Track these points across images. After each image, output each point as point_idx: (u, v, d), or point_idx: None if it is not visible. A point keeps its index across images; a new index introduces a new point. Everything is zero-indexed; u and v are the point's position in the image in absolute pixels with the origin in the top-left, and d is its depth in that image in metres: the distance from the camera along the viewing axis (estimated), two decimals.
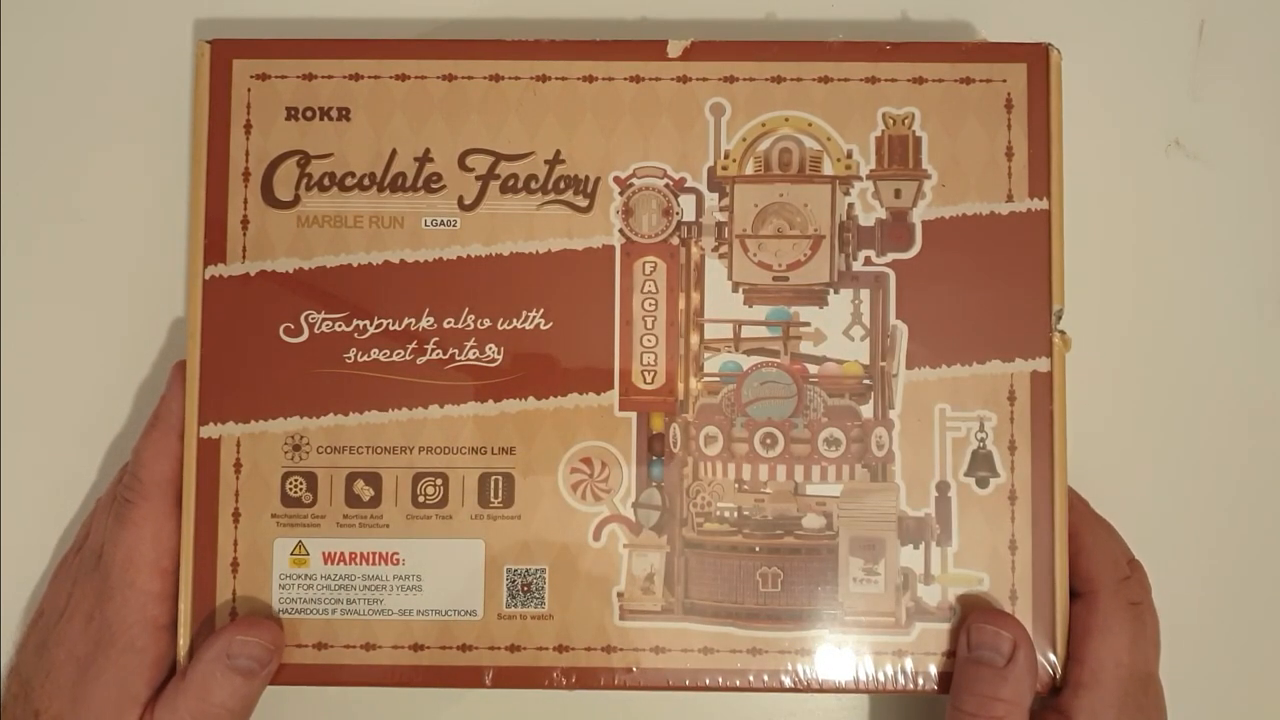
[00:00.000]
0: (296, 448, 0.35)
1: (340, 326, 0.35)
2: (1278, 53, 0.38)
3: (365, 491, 0.35)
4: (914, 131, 0.35)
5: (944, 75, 0.36)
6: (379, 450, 0.35)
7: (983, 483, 0.35)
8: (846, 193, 0.35)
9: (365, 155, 0.35)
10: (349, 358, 0.35)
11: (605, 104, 0.35)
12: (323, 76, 0.35)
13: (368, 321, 0.35)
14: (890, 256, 0.35)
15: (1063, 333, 0.35)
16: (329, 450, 0.35)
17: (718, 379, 0.35)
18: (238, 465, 0.35)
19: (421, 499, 0.35)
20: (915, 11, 0.40)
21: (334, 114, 0.35)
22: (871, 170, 0.35)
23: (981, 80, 0.36)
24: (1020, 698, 0.31)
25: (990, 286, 0.35)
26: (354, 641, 0.34)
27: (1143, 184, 0.38)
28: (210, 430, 0.34)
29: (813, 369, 0.35)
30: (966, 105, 0.35)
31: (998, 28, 0.39)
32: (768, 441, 0.35)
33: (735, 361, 0.35)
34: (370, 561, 0.35)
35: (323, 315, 0.35)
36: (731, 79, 0.35)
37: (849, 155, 0.35)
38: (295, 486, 0.35)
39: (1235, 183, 0.38)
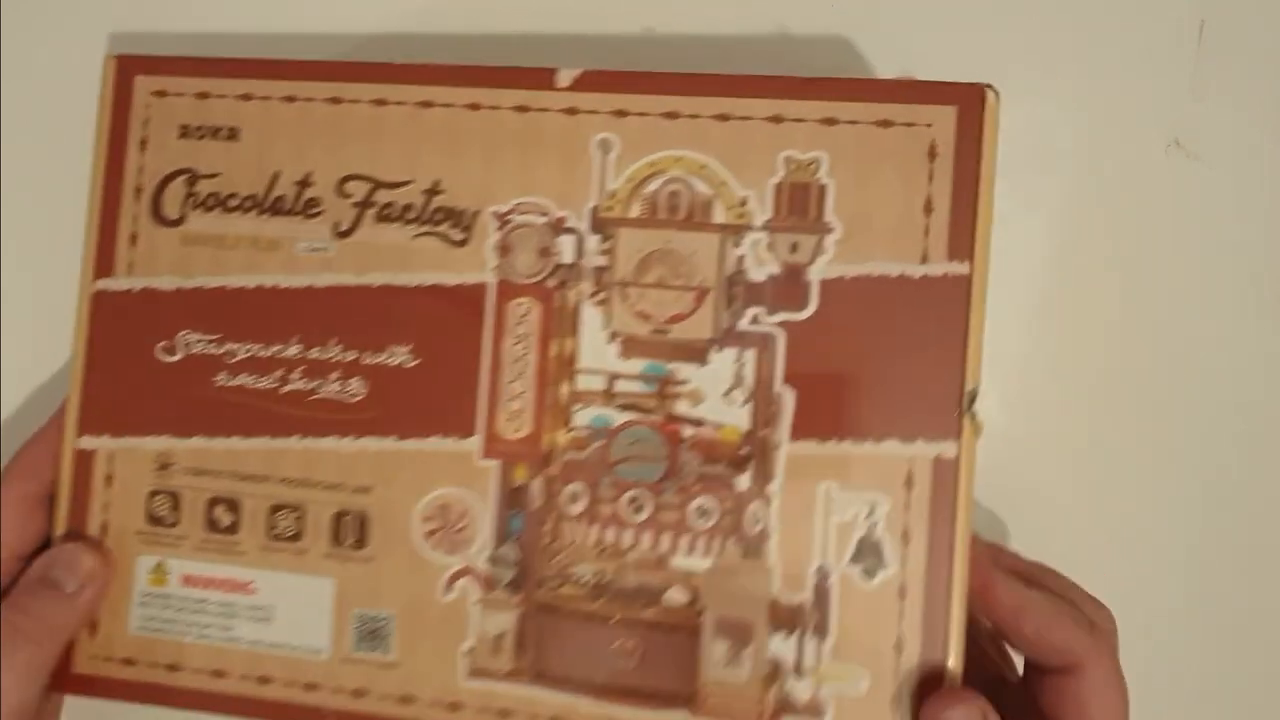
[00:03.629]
0: (164, 466, 0.33)
1: (212, 349, 0.33)
2: (1278, 53, 0.36)
3: (225, 517, 0.33)
4: (818, 179, 0.31)
5: (859, 116, 0.31)
6: (240, 477, 0.33)
7: (869, 573, 0.30)
8: (737, 244, 0.31)
9: (249, 177, 0.33)
10: (218, 381, 0.33)
11: (489, 134, 0.32)
12: (216, 95, 0.34)
13: (238, 346, 0.33)
14: (781, 316, 0.31)
15: (974, 415, 0.29)
16: (194, 472, 0.33)
17: (586, 433, 0.32)
18: (109, 479, 0.33)
19: (277, 531, 0.33)
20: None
21: (224, 133, 0.33)
22: (768, 220, 0.31)
23: (903, 124, 0.30)
24: None
25: (893, 358, 0.30)
26: (204, 667, 0.33)
27: (1143, 184, 0.37)
28: (87, 441, 0.33)
29: (688, 431, 0.31)
30: (883, 152, 0.30)
31: (998, 27, 0.37)
32: (634, 505, 0.31)
33: (606, 416, 0.32)
34: (225, 588, 0.33)
35: (197, 336, 0.33)
36: (622, 113, 0.32)
37: (743, 203, 0.31)
38: (160, 505, 0.33)
39: (1235, 183, 0.37)
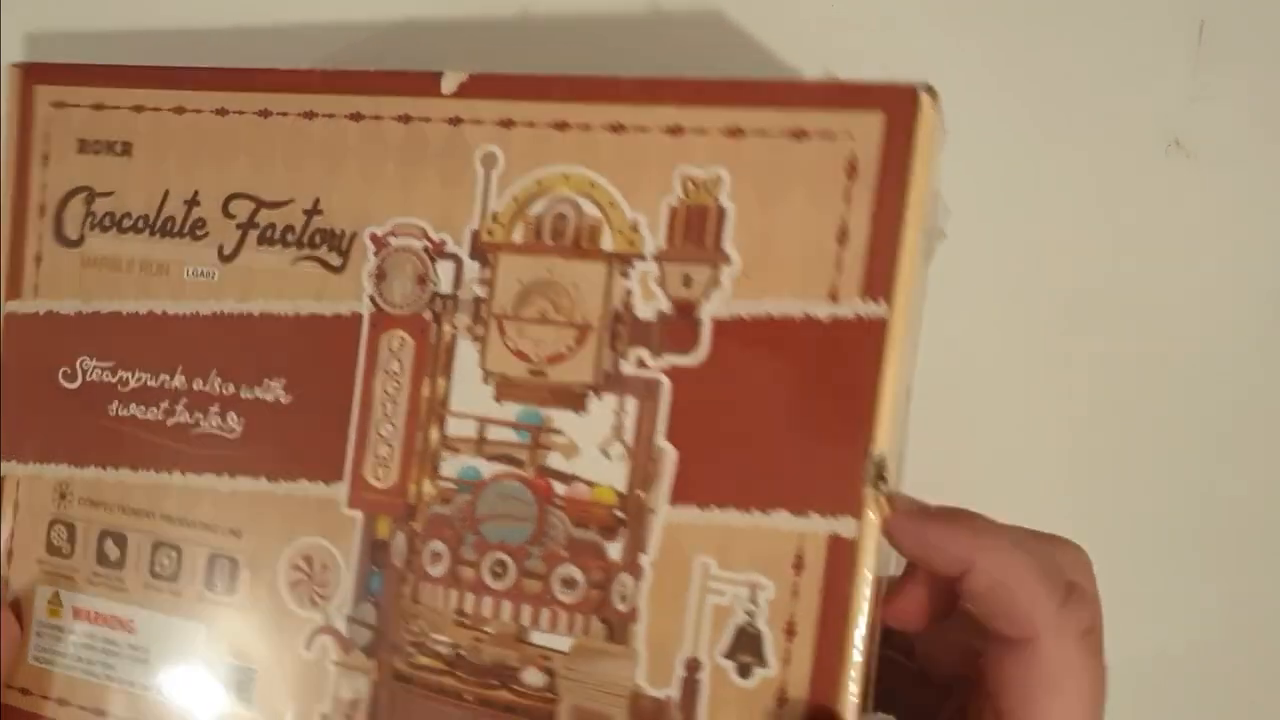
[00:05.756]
0: (63, 496, 0.32)
1: (107, 377, 0.31)
2: (1278, 53, 0.35)
3: (113, 551, 0.31)
4: (718, 201, 0.25)
5: (768, 126, 0.25)
6: (128, 511, 0.31)
7: (745, 671, 0.25)
8: (625, 274, 0.26)
9: (142, 195, 0.31)
10: (111, 410, 0.31)
11: (370, 147, 0.29)
12: (111, 107, 0.31)
13: (130, 374, 0.31)
14: (668, 360, 0.26)
15: (880, 486, 0.24)
16: (88, 503, 0.32)
17: (454, 485, 0.28)
18: (17, 505, 0.32)
19: (157, 569, 0.31)
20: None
21: (118, 148, 0.31)
22: (660, 249, 0.26)
23: (819, 134, 0.25)
24: None
25: (790, 414, 0.25)
26: (88, 704, 0.31)
27: (1143, 184, 0.36)
28: (2, 467, 0.32)
29: (560, 488, 0.27)
30: (793, 168, 0.25)
31: (997, 25, 0.35)
32: (497, 570, 0.27)
33: (475, 468, 0.27)
34: (110, 624, 0.31)
35: (94, 363, 0.31)
36: (509, 123, 0.27)
37: (634, 228, 0.26)
38: (58, 535, 0.32)
39: (1235, 183, 0.35)
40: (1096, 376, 0.36)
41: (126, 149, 0.32)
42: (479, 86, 0.28)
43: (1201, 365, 0.36)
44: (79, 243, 0.32)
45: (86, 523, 0.32)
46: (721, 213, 0.26)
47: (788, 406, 0.25)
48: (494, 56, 0.38)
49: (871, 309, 0.25)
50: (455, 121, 0.28)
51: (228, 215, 0.31)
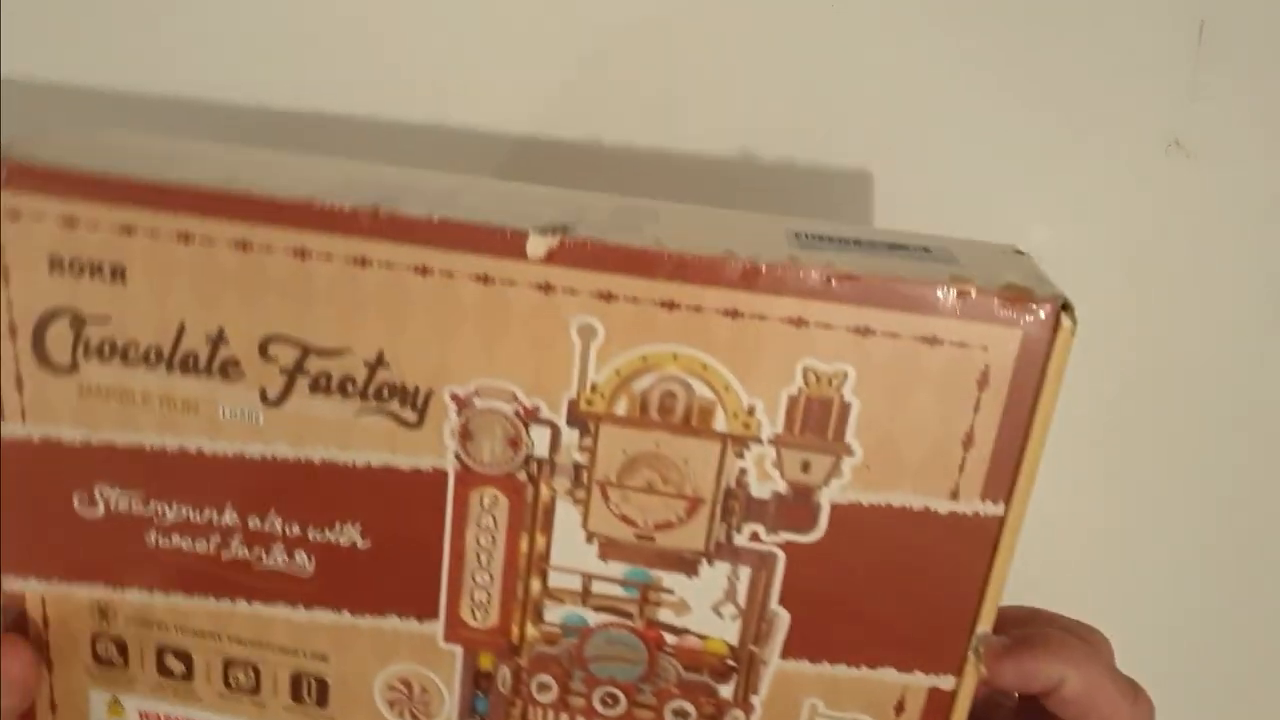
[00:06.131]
0: (103, 614, 0.30)
1: (137, 507, 0.29)
2: (1278, 53, 0.36)
3: (176, 666, 0.31)
4: (842, 395, 0.25)
5: (900, 329, 0.24)
6: (188, 632, 0.30)
7: None
8: (740, 455, 0.26)
9: (148, 326, 0.27)
10: (150, 541, 0.29)
11: (443, 304, 0.25)
12: (88, 225, 0.26)
13: (166, 507, 0.28)
14: (783, 536, 0.26)
15: (979, 654, 0.27)
16: (138, 622, 0.30)
17: (559, 630, 0.28)
18: (45, 619, 0.30)
19: (233, 683, 0.31)
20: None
21: (106, 272, 0.26)
22: (777, 435, 0.26)
23: (953, 343, 0.24)
24: None
25: (902, 590, 0.27)
26: None
27: (1143, 184, 0.37)
28: (13, 583, 0.30)
29: (670, 639, 0.28)
30: (923, 373, 0.25)
31: (995, 26, 0.35)
32: (608, 701, 0.29)
33: (581, 616, 0.28)
34: None
35: (118, 492, 0.29)
36: (608, 296, 0.25)
37: (750, 411, 0.25)
38: (105, 649, 0.31)
39: (1235, 183, 0.36)
40: (1096, 376, 0.37)
41: (119, 274, 0.27)
42: (573, 255, 0.25)
43: (1201, 364, 0.38)
44: (72, 370, 0.28)
45: (140, 640, 0.31)
46: (846, 407, 0.26)
47: (900, 583, 0.27)
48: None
49: (990, 509, 0.26)
50: (545, 289, 0.26)
51: (267, 358, 0.27)
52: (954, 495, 0.26)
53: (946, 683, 0.27)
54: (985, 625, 0.27)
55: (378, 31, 0.37)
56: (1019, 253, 0.27)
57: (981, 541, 0.26)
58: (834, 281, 0.24)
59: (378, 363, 0.27)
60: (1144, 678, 0.28)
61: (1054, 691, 0.27)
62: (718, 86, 0.38)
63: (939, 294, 0.24)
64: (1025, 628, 0.28)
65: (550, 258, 0.25)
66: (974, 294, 0.24)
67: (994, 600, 0.27)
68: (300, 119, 0.38)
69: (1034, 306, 0.24)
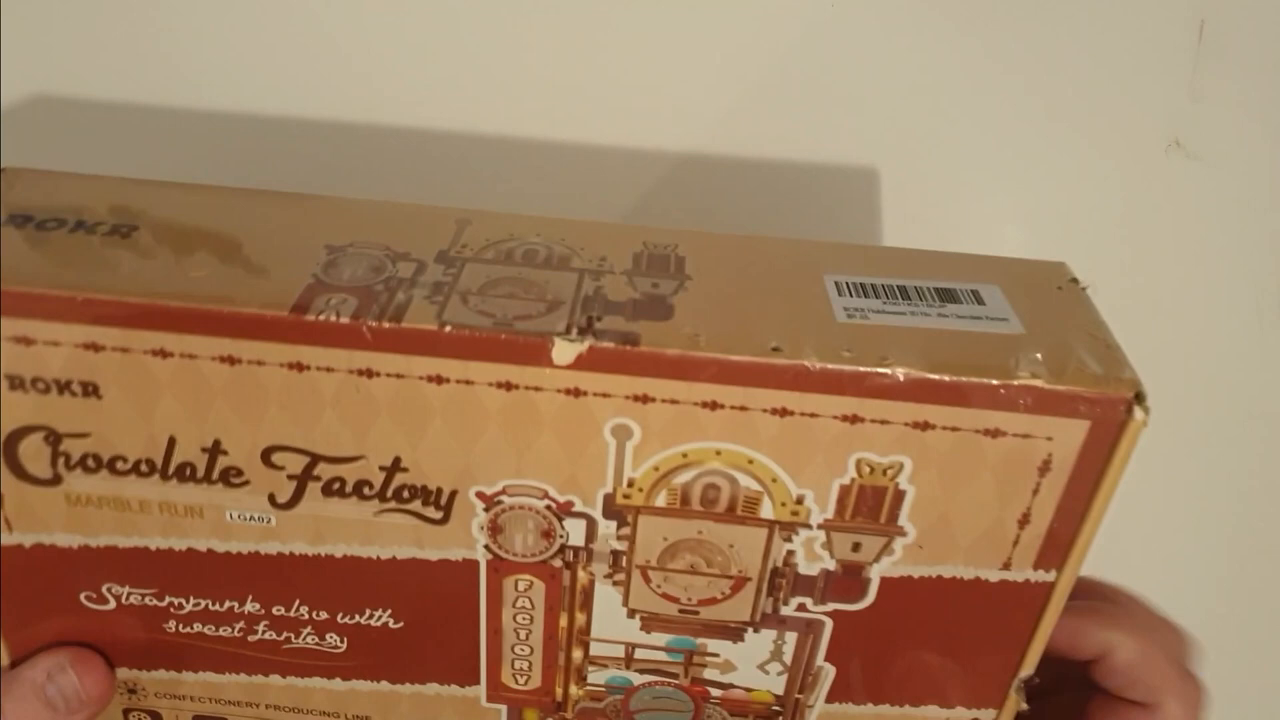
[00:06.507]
0: (132, 691, 0.30)
1: (151, 600, 0.28)
2: (1278, 53, 0.35)
3: None
4: (896, 485, 0.24)
5: (961, 424, 0.23)
6: (223, 703, 0.30)
7: None
8: (788, 539, 0.25)
9: (134, 440, 0.25)
10: (169, 628, 0.28)
11: (463, 411, 0.24)
12: (46, 342, 0.23)
13: (183, 599, 0.28)
14: (832, 606, 0.26)
15: (1022, 691, 0.27)
16: (168, 696, 0.30)
17: (603, 689, 0.29)
18: None
19: None
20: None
21: (76, 389, 0.24)
22: (826, 520, 0.25)
23: (1017, 435, 0.23)
24: None
25: (949, 644, 0.27)
26: None
27: (1143, 184, 0.36)
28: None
29: (715, 691, 0.28)
30: (983, 462, 0.24)
31: (993, 26, 0.34)
32: None
33: (625, 677, 0.28)
34: None
35: (127, 589, 0.27)
36: (644, 399, 0.23)
37: (799, 500, 0.24)
38: (139, 718, 0.30)
39: (1235, 183, 0.36)
40: None
41: (91, 390, 0.25)
42: (603, 360, 0.23)
43: (1201, 364, 0.37)
44: (55, 482, 0.26)
45: (174, 710, 0.31)
46: (900, 494, 0.25)
47: (947, 639, 0.27)
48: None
49: (1041, 576, 0.26)
50: (575, 393, 0.24)
51: (272, 466, 0.26)
52: (1006, 566, 0.25)
53: (987, 715, 0.28)
54: (1028, 670, 0.27)
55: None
56: (1073, 280, 0.25)
57: (1032, 604, 0.25)
58: (892, 379, 0.22)
59: (395, 467, 0.25)
60: None
61: (1103, 659, 0.27)
62: (718, 86, 0.34)
63: (1004, 391, 0.22)
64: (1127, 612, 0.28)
65: (579, 363, 0.22)
66: (1044, 387, 0.22)
67: (1039, 649, 0.26)
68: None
69: (1108, 400, 0.22)
